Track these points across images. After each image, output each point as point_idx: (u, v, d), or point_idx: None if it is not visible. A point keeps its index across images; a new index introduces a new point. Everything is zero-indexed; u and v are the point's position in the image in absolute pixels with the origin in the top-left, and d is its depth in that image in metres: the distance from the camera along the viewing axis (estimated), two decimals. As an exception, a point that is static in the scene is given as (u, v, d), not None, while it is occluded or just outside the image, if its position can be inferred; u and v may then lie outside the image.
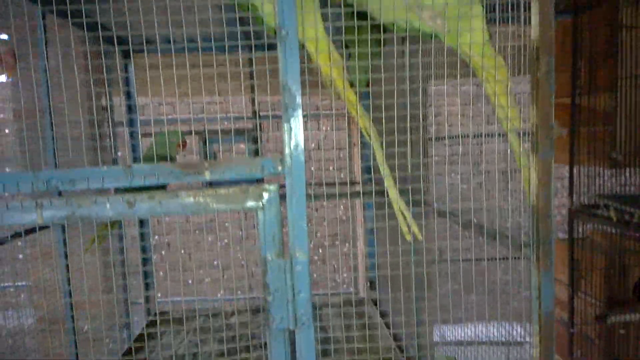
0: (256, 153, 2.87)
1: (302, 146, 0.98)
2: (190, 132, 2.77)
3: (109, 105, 2.65)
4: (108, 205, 0.93)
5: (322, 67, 1.18)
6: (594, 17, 2.72)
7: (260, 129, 3.26)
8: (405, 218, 1.28)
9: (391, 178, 1.27)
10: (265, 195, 0.99)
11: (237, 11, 1.24)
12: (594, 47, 2.65)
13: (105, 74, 2.44)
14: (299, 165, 0.98)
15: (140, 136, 2.64)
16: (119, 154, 3.33)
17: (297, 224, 1.00)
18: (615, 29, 2.57)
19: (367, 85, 1.68)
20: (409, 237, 1.28)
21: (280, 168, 0.99)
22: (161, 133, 1.97)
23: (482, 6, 1.15)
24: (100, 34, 1.70)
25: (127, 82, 2.63)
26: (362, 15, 1.22)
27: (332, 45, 1.17)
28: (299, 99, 0.96)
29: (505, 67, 1.13)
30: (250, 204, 1.00)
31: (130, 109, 2.68)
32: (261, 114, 3.70)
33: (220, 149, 2.87)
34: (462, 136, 3.43)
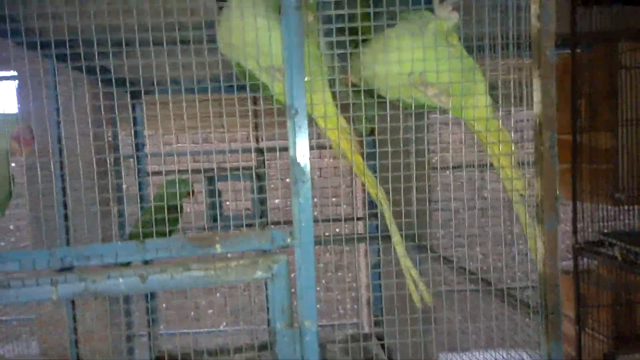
0: (261, 190, 2.91)
1: (312, 218, 1.00)
2: (197, 171, 2.81)
3: (118, 143, 2.68)
4: (121, 280, 0.95)
5: (332, 141, 1.22)
6: (594, 55, 2.75)
7: (265, 163, 3.30)
8: (414, 281, 1.29)
9: (399, 236, 1.29)
10: (275, 266, 1.01)
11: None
12: (593, 87, 2.68)
13: (116, 113, 2.49)
14: (308, 237, 1.00)
15: (150, 175, 2.68)
16: (125, 186, 3.36)
17: (306, 294, 1.02)
18: (615, 68, 2.60)
19: (372, 132, 1.71)
20: (419, 305, 1.29)
21: (290, 240, 1.01)
22: (171, 181, 1.99)
23: (485, 82, 1.19)
24: (113, 78, 1.74)
25: (135, 121, 2.68)
26: (369, 93, 1.26)
27: (342, 119, 1.21)
28: (308, 174, 0.99)
29: (510, 141, 1.16)
30: (260, 274, 1.01)
31: (138, 146, 2.72)
32: (266, 145, 3.74)
33: (228, 185, 2.92)
34: (465, 165, 3.45)
